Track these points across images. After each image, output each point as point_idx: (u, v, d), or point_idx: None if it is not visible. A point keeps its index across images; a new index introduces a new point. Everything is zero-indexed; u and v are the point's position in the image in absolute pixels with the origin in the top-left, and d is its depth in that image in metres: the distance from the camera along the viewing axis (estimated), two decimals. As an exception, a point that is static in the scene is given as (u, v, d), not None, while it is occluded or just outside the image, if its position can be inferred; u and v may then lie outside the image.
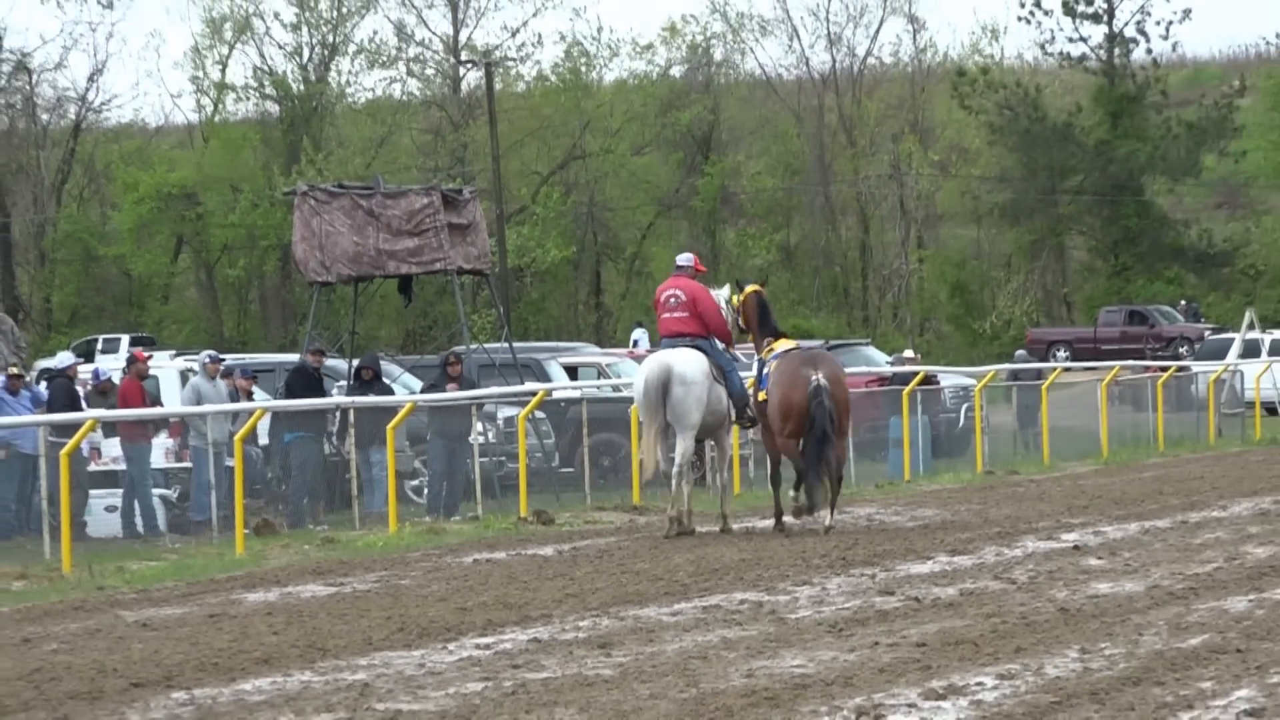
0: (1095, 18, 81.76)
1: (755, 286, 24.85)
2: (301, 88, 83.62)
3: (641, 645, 14.36)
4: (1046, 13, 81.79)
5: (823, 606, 16.32)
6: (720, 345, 24.07)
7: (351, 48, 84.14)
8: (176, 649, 15.00)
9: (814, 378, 22.97)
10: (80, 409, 25.97)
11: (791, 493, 23.85)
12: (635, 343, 44.95)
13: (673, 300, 23.74)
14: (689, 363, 23.35)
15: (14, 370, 27.15)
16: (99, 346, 58.85)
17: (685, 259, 24.78)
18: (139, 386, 27.96)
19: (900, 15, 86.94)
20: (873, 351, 46.48)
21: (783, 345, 23.88)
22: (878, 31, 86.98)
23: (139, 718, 12.10)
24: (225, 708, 12.34)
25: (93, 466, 25.98)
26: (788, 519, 23.80)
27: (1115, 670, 12.60)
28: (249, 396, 28.23)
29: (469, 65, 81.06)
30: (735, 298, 24.43)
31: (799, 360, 23.56)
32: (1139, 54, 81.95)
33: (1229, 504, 25.18)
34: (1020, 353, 50.73)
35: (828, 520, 23.37)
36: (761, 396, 23.74)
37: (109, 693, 13.04)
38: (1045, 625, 14.71)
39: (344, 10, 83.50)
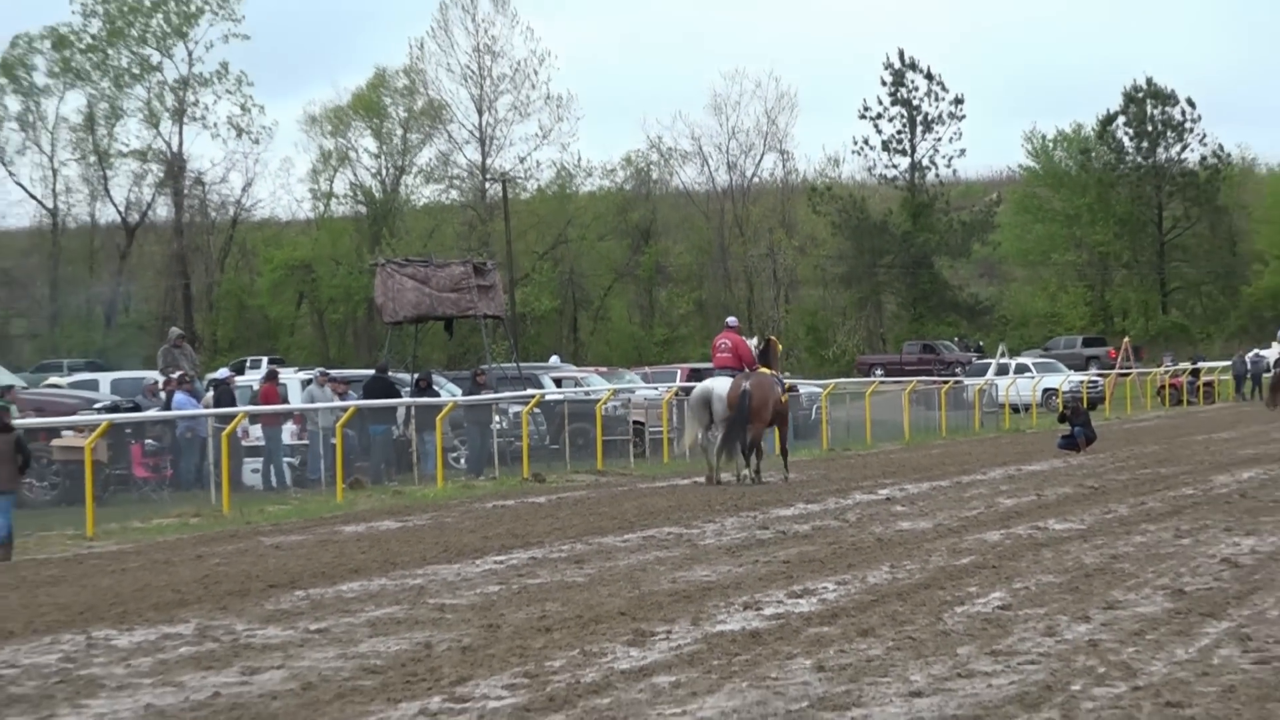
0: (903, 152, 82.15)
1: (770, 337, 26.25)
2: (380, 196, 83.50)
3: (603, 562, 14.36)
4: (871, 148, 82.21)
5: (722, 537, 16.32)
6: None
7: (414, 169, 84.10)
8: (297, 563, 14.98)
9: (744, 385, 23.49)
10: (235, 405, 25.94)
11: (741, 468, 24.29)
12: (553, 359, 46.10)
13: (723, 347, 25.06)
14: (724, 386, 24.10)
15: (188, 379, 27.10)
16: (247, 365, 58.55)
17: (733, 321, 26.50)
18: (275, 390, 27.92)
19: (775, 150, 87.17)
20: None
21: (760, 371, 24.30)
22: (760, 160, 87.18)
23: (273, 607, 12.08)
24: (329, 601, 12.32)
25: (244, 443, 25.91)
26: (727, 477, 24.10)
27: (913, 579, 12.63)
28: (344, 396, 28.27)
29: (492, 182, 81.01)
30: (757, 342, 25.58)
31: (742, 376, 24.14)
32: (931, 177, 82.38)
33: (988, 470, 25.26)
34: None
35: (749, 475, 23.86)
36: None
37: (253, 591, 13.02)
38: (867, 550, 14.74)
39: (409, 145, 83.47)
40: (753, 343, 25.27)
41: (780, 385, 25.07)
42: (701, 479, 24.22)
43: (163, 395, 27.06)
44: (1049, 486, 21.62)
